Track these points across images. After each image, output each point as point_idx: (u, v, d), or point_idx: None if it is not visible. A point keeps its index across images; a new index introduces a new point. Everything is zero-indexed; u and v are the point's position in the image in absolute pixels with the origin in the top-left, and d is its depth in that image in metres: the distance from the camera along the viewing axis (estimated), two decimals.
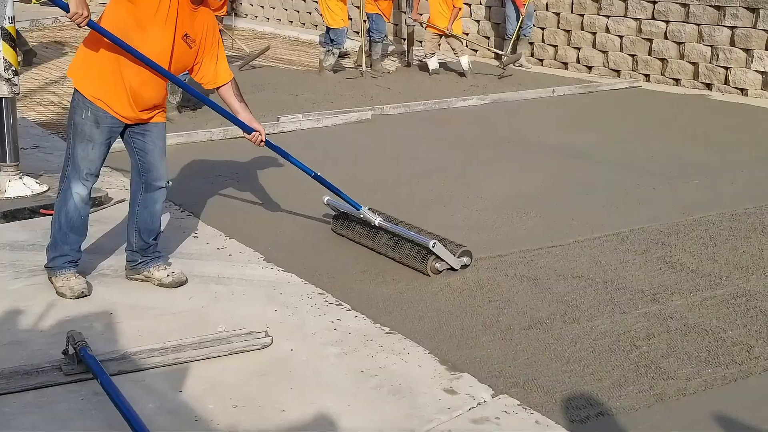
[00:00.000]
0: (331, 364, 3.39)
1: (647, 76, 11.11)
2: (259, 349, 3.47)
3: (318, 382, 3.23)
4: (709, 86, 10.45)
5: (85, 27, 3.62)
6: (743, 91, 10.11)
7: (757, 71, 9.97)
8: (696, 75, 10.57)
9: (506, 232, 5.16)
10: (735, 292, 4.23)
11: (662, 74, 10.94)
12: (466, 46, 11.03)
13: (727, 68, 10.25)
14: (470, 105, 9.40)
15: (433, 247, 4.29)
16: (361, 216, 4.67)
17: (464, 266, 4.46)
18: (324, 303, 3.99)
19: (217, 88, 4.01)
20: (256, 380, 3.24)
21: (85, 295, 3.90)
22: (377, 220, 4.62)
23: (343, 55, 12.12)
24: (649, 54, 11.08)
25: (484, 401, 3.13)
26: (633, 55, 11.27)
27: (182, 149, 6.99)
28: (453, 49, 11.15)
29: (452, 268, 4.42)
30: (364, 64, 11.12)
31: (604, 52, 11.63)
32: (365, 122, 8.33)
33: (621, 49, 11.40)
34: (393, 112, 8.85)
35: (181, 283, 4.11)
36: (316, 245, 4.87)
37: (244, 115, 4.09)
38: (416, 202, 5.74)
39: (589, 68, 11.83)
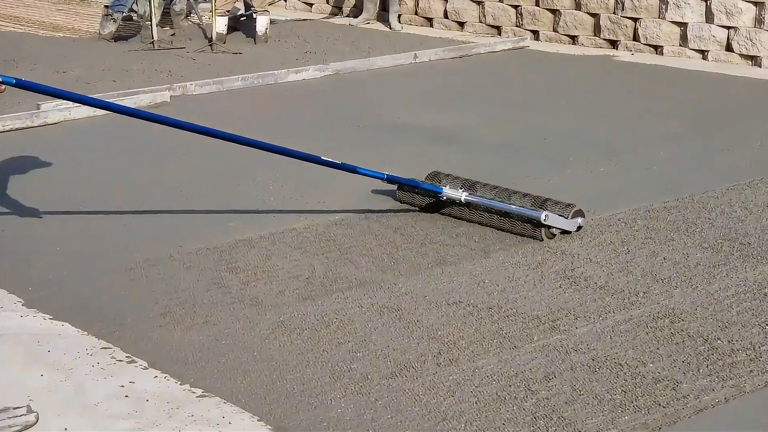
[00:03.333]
0: None
1: (535, 32, 11.39)
2: (19, 430, 3.35)
3: None
4: (614, 44, 10.81)
5: None
6: (657, 49, 10.52)
7: (673, 22, 10.40)
8: (597, 30, 10.91)
9: None
10: (655, 312, 4.36)
11: (554, 30, 11.25)
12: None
13: (635, 20, 10.65)
14: (306, 78, 9.41)
15: (545, 220, 5.12)
16: (444, 198, 5.50)
17: (579, 228, 5.26)
18: (110, 360, 3.89)
19: None
20: None
21: None
22: (463, 196, 5.42)
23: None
24: (537, 4, 11.37)
25: None
26: (516, 6, 11.54)
27: None
28: (252, 6, 11.17)
29: (566, 232, 5.24)
30: (154, 31, 10.90)
31: (479, 2, 11.87)
32: (162, 106, 8.19)
33: None
34: (200, 92, 8.79)
35: None
36: (98, 279, 4.76)
37: None
38: (235, 214, 5.70)
39: (461, 24, 12.05)
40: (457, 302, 4.49)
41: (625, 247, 5.14)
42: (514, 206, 5.27)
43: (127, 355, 3.94)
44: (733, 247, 5.12)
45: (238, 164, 6.54)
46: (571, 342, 4.09)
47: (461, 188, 5.47)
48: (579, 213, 5.27)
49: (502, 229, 5.34)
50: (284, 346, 4.09)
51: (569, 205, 5.26)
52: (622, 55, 10.52)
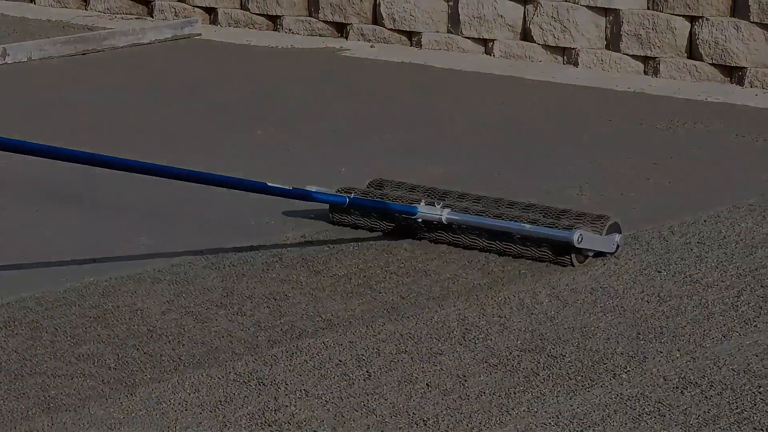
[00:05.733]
0: None
1: (212, 11, 11.78)
2: None
3: None
4: (342, 29, 11.12)
5: None
6: (412, 37, 10.78)
7: None
8: (314, 6, 11.21)
9: None
10: None
11: (243, 6, 11.60)
12: None
13: None
14: None
15: (579, 242, 5.91)
16: (420, 221, 6.41)
17: (617, 248, 6.11)
18: None
19: None
20: None
21: None
22: (445, 215, 6.30)
23: None
24: None
25: None
26: None
27: None
28: None
29: (600, 254, 6.11)
30: None
31: None
32: None
33: None
34: None
35: None
36: None
37: None
38: None
39: (86, 1, 12.33)
40: None
41: (348, 372, 5.00)
42: (527, 225, 6.08)
43: None
44: (538, 362, 5.06)
45: None
46: None
47: (438, 204, 6.36)
48: (615, 227, 6.11)
49: (505, 254, 6.18)
50: None
51: (601, 217, 6.12)
52: (355, 47, 10.86)
